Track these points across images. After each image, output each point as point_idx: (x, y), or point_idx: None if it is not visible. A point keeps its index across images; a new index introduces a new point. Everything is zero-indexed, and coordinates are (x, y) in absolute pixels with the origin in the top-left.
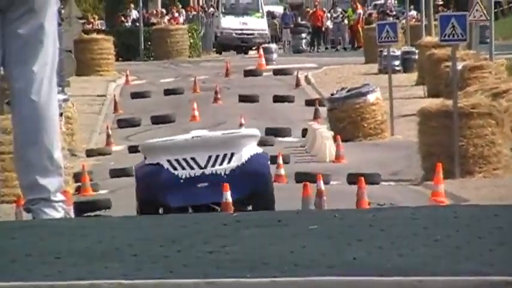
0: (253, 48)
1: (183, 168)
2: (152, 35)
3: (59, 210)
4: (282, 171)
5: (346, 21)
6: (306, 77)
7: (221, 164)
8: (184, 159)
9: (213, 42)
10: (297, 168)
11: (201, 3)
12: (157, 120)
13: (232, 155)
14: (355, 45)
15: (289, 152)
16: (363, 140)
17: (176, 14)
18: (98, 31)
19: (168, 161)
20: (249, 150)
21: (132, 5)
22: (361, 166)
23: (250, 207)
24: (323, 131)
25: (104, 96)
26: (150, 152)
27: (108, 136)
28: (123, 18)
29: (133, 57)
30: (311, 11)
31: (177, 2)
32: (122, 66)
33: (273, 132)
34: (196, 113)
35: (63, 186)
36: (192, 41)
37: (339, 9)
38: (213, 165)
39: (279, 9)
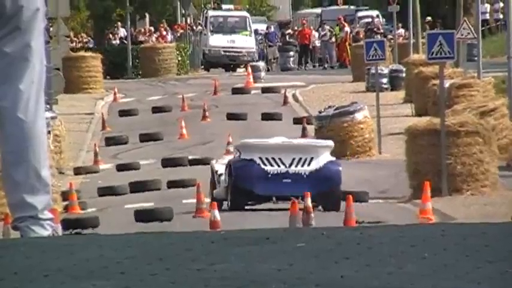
0: (241, 66)
1: (271, 165)
2: (140, 52)
3: (47, 228)
4: None
5: (333, 39)
6: (294, 95)
7: (302, 166)
8: (273, 158)
9: (201, 60)
10: None
11: (188, 22)
12: (145, 138)
13: (311, 159)
14: (343, 63)
15: None
16: (350, 158)
17: (164, 33)
18: (86, 49)
19: (260, 158)
20: (325, 157)
21: (120, 23)
22: (349, 184)
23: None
24: None
25: (92, 114)
26: (245, 149)
27: (96, 154)
28: (111, 36)
29: (121, 75)
30: (298, 29)
31: (164, 21)
32: (109, 84)
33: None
34: (184, 131)
35: (51, 204)
36: (180, 58)
37: (327, 27)
38: (296, 166)
39: (262, 27)
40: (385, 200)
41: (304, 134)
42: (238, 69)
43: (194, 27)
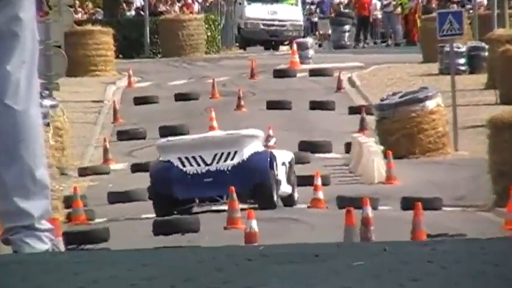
0: (285, 43)
1: (191, 165)
2: (160, 26)
3: (45, 242)
4: (321, 195)
5: (399, 10)
6: (350, 79)
7: (225, 161)
8: (193, 157)
9: (235, 35)
10: (339, 191)
11: None
12: (166, 131)
13: (235, 153)
14: (411, 40)
15: (329, 172)
16: (420, 157)
17: (190, 1)
18: (94, 22)
19: (179, 158)
20: (251, 148)
21: None
22: (418, 188)
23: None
24: (371, 146)
25: (101, 102)
26: (163, 149)
27: (106, 151)
28: (124, 6)
29: (137, 54)
30: None
31: None
32: (123, 65)
33: (309, 147)
34: (215, 124)
35: (50, 211)
36: (209, 34)
37: None
38: (218, 162)
39: None
40: (463, 208)
41: (362, 127)
42: (281, 47)
43: None
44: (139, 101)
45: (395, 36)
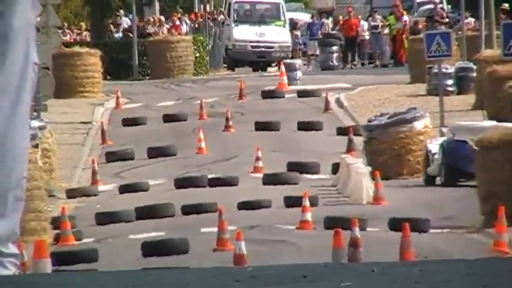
0: (273, 64)
1: None
2: (148, 48)
3: (7, 267)
4: (309, 216)
5: (387, 31)
6: (338, 100)
7: None
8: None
9: (223, 56)
10: (327, 212)
11: (208, 9)
12: (155, 152)
13: None
14: (398, 61)
15: (317, 192)
16: (408, 178)
17: (178, 23)
18: (82, 43)
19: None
20: None
21: (123, 11)
22: (406, 209)
23: None
24: (359, 167)
25: (89, 123)
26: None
27: (94, 173)
28: (112, 28)
29: (125, 76)
30: (343, 19)
31: (177, 8)
32: (111, 87)
33: (297, 167)
34: (203, 144)
35: (17, 233)
36: (197, 55)
37: (378, 17)
38: None
39: (303, 17)
40: (451, 229)
41: (350, 148)
42: (269, 68)
43: (215, 17)
44: (128, 122)
45: (383, 57)
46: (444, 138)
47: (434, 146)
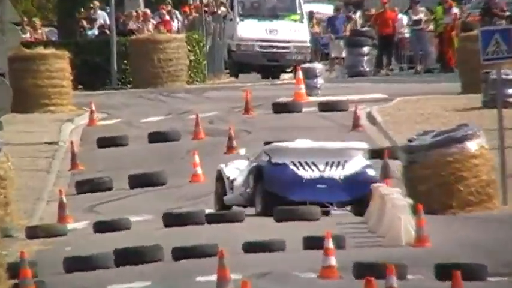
0: (288, 69)
1: (305, 170)
2: (130, 48)
3: None
4: (333, 261)
5: (432, 27)
6: (369, 114)
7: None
8: (306, 162)
9: (225, 60)
10: (356, 256)
11: (204, 0)
12: (138, 181)
13: (345, 163)
14: (446, 65)
15: (343, 231)
16: (458, 212)
17: (167, 17)
18: (46, 43)
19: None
20: (359, 160)
21: (98, 3)
22: (456, 252)
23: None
24: (396, 198)
25: (56, 144)
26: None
27: (62, 206)
28: (85, 23)
29: (101, 84)
30: (376, 12)
31: None
32: (83, 98)
33: None
34: (200, 170)
35: None
36: (192, 58)
37: (422, 9)
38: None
39: (325, 9)
40: None
41: (385, 174)
42: (283, 75)
43: (215, 9)
44: (104, 142)
45: (427, 60)
46: (242, 161)
47: (231, 171)
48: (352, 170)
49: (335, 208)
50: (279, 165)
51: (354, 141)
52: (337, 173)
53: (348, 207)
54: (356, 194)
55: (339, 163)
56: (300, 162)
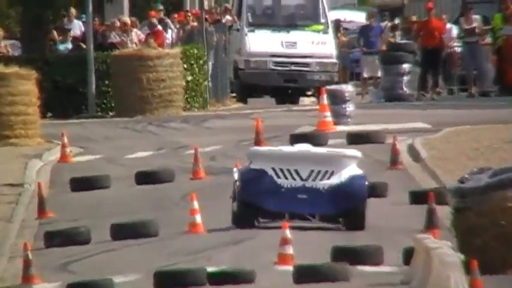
0: (309, 92)
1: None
2: (112, 67)
3: None
4: None
5: (489, 40)
6: (411, 148)
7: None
8: (288, 170)
9: (230, 80)
10: None
11: (206, 5)
12: (123, 232)
13: (332, 172)
14: (507, 86)
15: None
16: None
17: (159, 27)
18: (8, 60)
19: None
20: (349, 170)
21: (74, 10)
22: None
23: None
24: (445, 253)
25: (20, 186)
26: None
27: (27, 264)
28: (56, 35)
29: (75, 111)
30: (419, 21)
31: (157, 4)
32: (53, 128)
33: (346, 254)
34: (199, 219)
35: None
36: (190, 78)
37: (476, 17)
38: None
39: (355, 17)
40: None
41: (431, 223)
42: (303, 99)
43: (218, 17)
44: (80, 184)
45: (483, 80)
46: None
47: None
48: (340, 180)
49: (317, 221)
50: (256, 171)
51: (348, 149)
52: (321, 183)
53: (340, 221)
54: (342, 207)
55: (326, 172)
56: (281, 169)
